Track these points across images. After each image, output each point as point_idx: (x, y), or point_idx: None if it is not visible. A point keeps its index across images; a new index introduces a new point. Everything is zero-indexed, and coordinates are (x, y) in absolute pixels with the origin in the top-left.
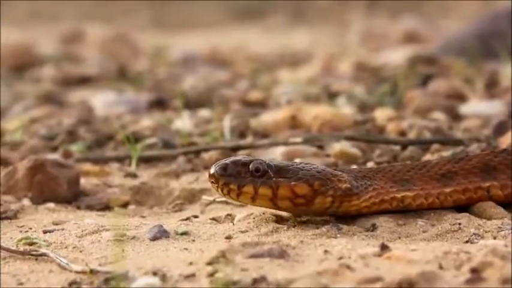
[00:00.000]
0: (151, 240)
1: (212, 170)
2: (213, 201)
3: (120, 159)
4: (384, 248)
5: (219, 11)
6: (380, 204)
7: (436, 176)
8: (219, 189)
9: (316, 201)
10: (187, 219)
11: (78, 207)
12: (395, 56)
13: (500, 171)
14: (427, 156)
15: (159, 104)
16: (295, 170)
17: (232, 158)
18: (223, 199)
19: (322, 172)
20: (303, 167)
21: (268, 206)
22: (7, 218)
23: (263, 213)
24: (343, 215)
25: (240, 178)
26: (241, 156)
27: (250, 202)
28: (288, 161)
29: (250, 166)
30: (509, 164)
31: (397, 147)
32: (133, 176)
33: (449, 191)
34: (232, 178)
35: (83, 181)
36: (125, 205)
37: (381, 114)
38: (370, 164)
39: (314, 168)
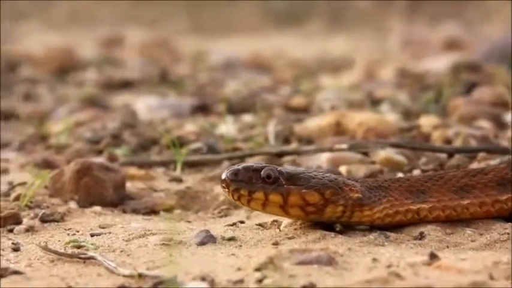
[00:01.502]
0: (198, 245)
1: (223, 175)
2: None
3: (165, 164)
4: (433, 256)
5: (258, 15)
6: (394, 216)
7: (453, 188)
8: (230, 195)
9: (327, 210)
10: (233, 224)
11: (124, 211)
12: (438, 63)
13: None
14: (474, 165)
15: (202, 108)
16: (307, 177)
17: (244, 164)
18: None
19: (334, 181)
20: (315, 175)
21: (278, 213)
22: (54, 220)
23: None
24: (356, 225)
25: (251, 184)
26: (253, 162)
27: (261, 209)
28: (301, 169)
29: (262, 172)
30: None
31: (444, 155)
32: (179, 180)
33: (466, 203)
34: (243, 184)
35: (128, 185)
36: (170, 209)
37: (426, 122)
38: (416, 172)
39: (326, 176)
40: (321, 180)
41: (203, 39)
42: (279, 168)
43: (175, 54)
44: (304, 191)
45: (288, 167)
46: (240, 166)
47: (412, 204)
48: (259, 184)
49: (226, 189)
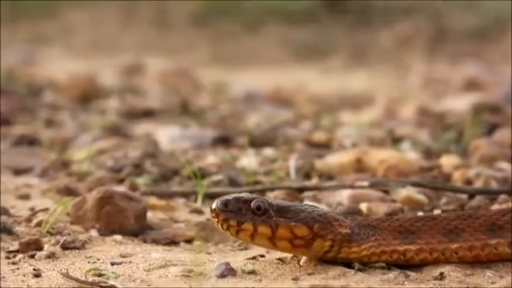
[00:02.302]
0: (218, 277)
1: (213, 205)
2: None
3: (185, 195)
4: None
5: (279, 48)
6: (380, 255)
7: (443, 230)
8: (219, 225)
9: (315, 244)
10: (253, 258)
11: (145, 241)
12: (458, 103)
13: (506, 229)
14: (495, 206)
15: (224, 140)
16: (297, 211)
17: (234, 195)
18: None
19: (324, 215)
20: (305, 209)
21: (266, 245)
22: (75, 248)
23: None
24: (343, 261)
25: (241, 215)
26: (244, 193)
27: (249, 240)
28: (291, 202)
29: (252, 204)
30: None
31: (464, 196)
32: (199, 212)
33: (455, 247)
34: (232, 214)
35: (149, 215)
36: (190, 241)
37: (447, 162)
38: (436, 212)
39: (316, 210)
40: (310, 214)
41: (224, 70)
42: (269, 200)
43: (196, 84)
44: (293, 224)
45: (278, 200)
46: (231, 197)
47: (399, 245)
48: (249, 215)
49: (216, 219)
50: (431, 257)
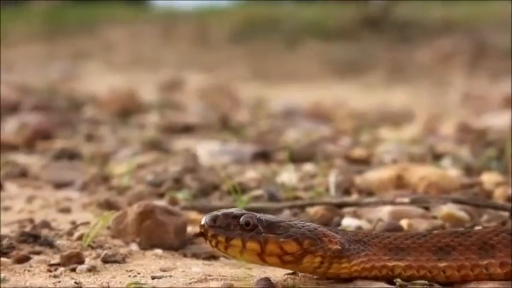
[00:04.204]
0: None
1: (202, 221)
2: None
3: None
4: None
5: (319, 64)
6: (370, 271)
7: (433, 248)
8: (208, 241)
9: (305, 260)
10: (293, 273)
11: (185, 255)
12: (498, 120)
13: (498, 249)
14: None
15: (263, 156)
16: (286, 226)
17: (223, 210)
18: None
19: (314, 231)
20: (295, 224)
21: (256, 261)
22: (116, 261)
23: None
24: (334, 277)
25: (229, 231)
26: (234, 209)
27: (238, 256)
28: (281, 218)
29: (241, 219)
30: (509, 243)
31: (506, 213)
32: None
33: (443, 265)
34: (221, 230)
35: (189, 229)
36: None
37: (488, 179)
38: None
39: (306, 226)
40: (300, 230)
41: (263, 86)
42: (258, 215)
43: (235, 100)
44: (282, 240)
45: (267, 215)
46: (220, 212)
47: (389, 261)
48: (237, 231)
49: (204, 235)
50: (418, 274)
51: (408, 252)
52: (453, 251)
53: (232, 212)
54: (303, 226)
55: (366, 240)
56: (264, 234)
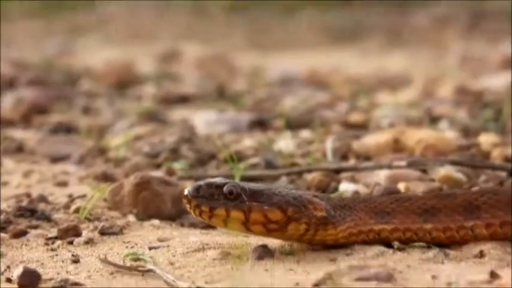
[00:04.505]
0: (256, 259)
1: (186, 191)
2: None
3: None
4: (494, 275)
5: (315, 32)
6: (357, 235)
7: (418, 210)
8: (192, 211)
9: (290, 228)
10: None
11: (182, 225)
12: (496, 81)
13: (484, 210)
14: None
15: (260, 124)
16: (270, 195)
17: (207, 180)
18: None
19: (298, 198)
20: (279, 192)
21: (240, 230)
22: (113, 233)
23: None
24: (320, 244)
25: (213, 200)
26: (218, 178)
27: (223, 225)
28: (266, 185)
29: (224, 189)
30: (494, 204)
31: (504, 174)
32: None
33: (429, 227)
34: (204, 200)
35: None
36: None
37: (486, 140)
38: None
39: (291, 193)
40: (284, 198)
41: (260, 54)
42: (242, 184)
43: (232, 69)
44: (266, 208)
45: (251, 184)
46: (203, 182)
47: (375, 224)
48: (221, 200)
49: (188, 205)
50: (404, 236)
51: (394, 215)
52: (438, 213)
53: (216, 182)
54: (288, 194)
55: (351, 205)
56: (247, 203)
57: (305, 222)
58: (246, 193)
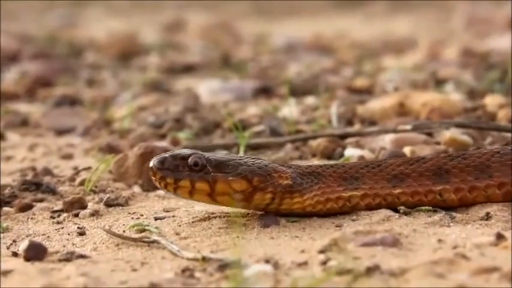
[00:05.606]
0: (262, 227)
1: (151, 163)
2: None
3: (227, 147)
4: (500, 237)
5: None
6: (325, 203)
7: (387, 176)
8: (157, 183)
9: (256, 198)
10: None
11: None
12: (502, 42)
13: (454, 174)
14: None
15: (265, 91)
16: (235, 165)
17: (172, 152)
18: None
19: (264, 168)
20: (245, 162)
21: (206, 201)
22: (119, 204)
23: None
24: (287, 213)
25: (178, 172)
26: (183, 149)
27: (188, 196)
28: (230, 156)
29: (189, 160)
30: (464, 168)
31: (509, 135)
32: None
33: (397, 192)
34: (169, 172)
35: None
36: None
37: (491, 101)
38: None
39: (257, 163)
40: (249, 167)
41: (264, 22)
42: (207, 155)
43: (237, 37)
44: (230, 178)
45: (217, 154)
46: (168, 154)
47: (344, 191)
48: (186, 172)
49: (153, 177)
50: (374, 202)
51: (363, 181)
52: (407, 178)
53: (180, 153)
54: (253, 163)
55: (319, 171)
56: (212, 173)
57: (270, 191)
58: (211, 164)
